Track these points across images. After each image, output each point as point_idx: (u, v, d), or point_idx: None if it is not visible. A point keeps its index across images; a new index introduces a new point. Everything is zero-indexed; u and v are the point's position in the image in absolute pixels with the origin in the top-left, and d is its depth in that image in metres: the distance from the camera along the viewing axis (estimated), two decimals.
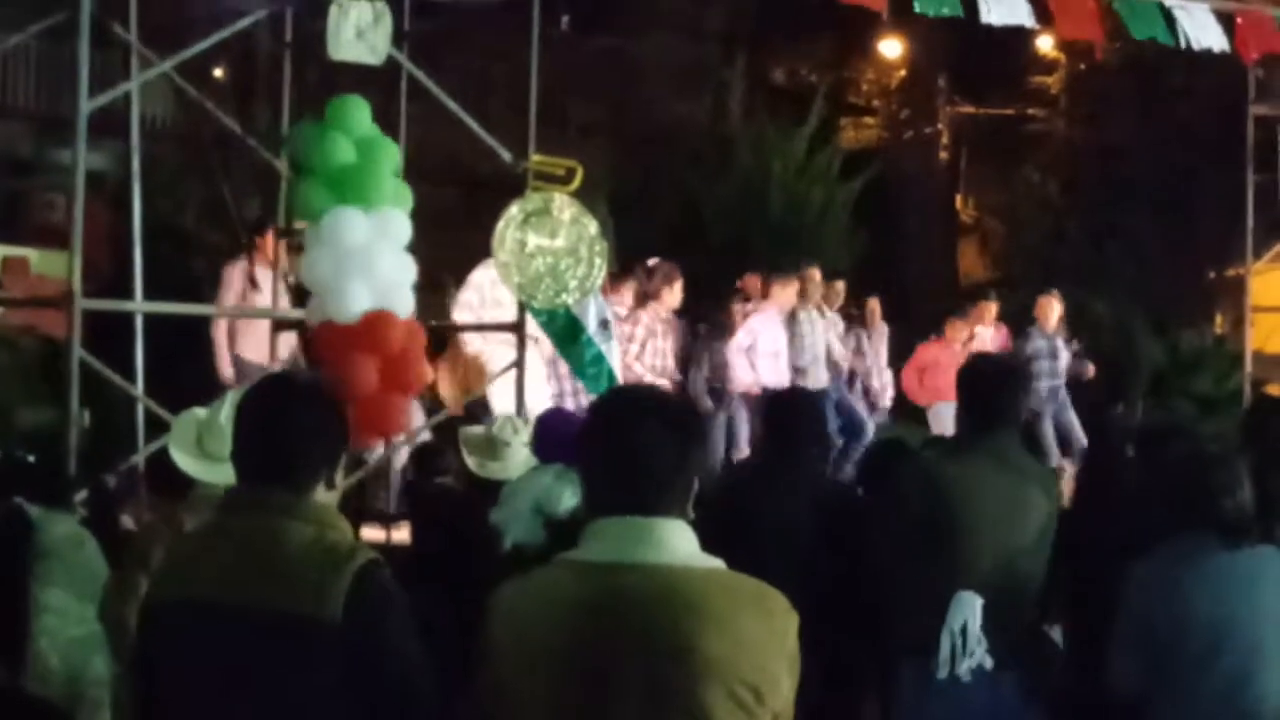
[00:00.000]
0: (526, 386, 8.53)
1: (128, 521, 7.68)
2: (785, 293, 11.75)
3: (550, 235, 8.09)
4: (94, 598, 5.17)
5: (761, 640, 2.88)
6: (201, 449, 4.87)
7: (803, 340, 11.87)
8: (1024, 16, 9.41)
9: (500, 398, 8.82)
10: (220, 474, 4.40)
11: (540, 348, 9.17)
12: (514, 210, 8.08)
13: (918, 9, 9.17)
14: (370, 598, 3.14)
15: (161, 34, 8.78)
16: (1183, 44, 9.93)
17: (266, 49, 14.14)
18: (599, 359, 8.94)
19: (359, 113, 7.35)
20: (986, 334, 13.90)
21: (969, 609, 4.78)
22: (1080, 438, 12.89)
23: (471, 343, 9.52)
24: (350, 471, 7.85)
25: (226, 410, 4.74)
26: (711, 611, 2.85)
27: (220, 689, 3.16)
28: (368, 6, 7.48)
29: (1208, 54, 10.21)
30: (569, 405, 9.83)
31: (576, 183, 8.30)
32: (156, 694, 3.26)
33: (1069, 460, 12.36)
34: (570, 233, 8.13)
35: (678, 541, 2.92)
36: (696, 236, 16.66)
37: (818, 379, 11.86)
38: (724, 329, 11.71)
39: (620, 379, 9.46)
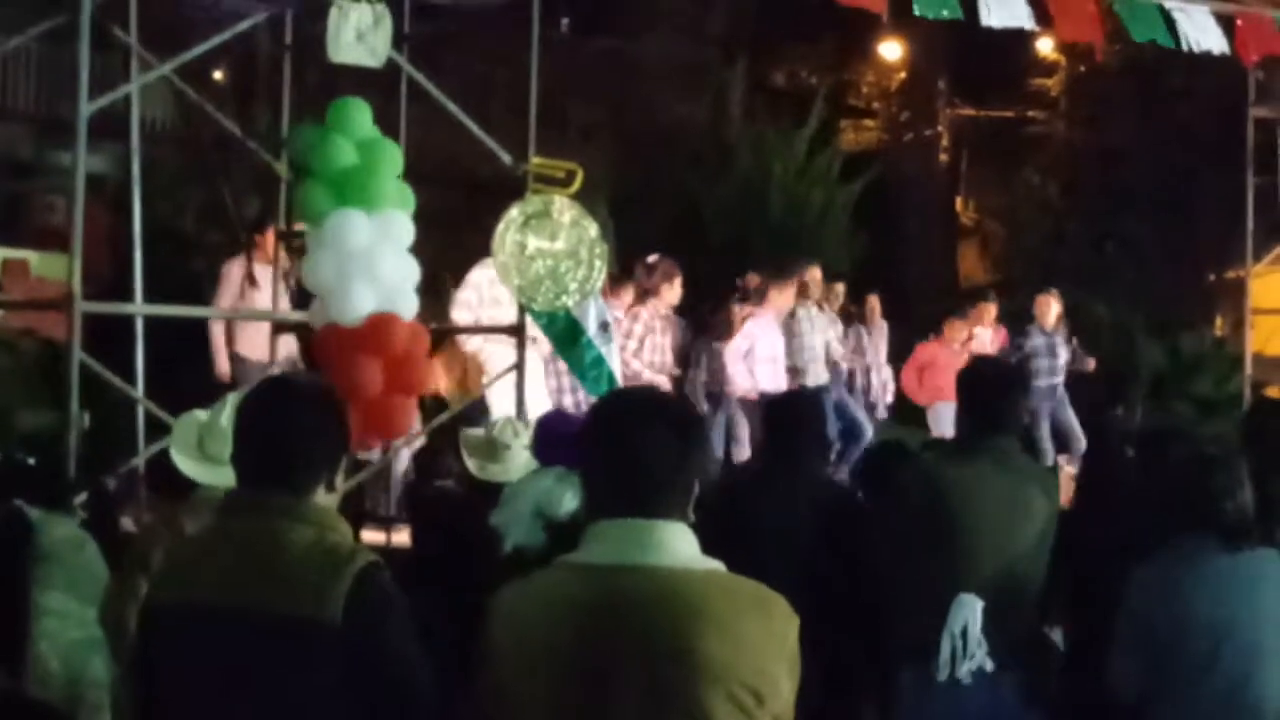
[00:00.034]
0: (526, 388, 8.53)
1: (128, 524, 7.68)
2: (783, 297, 11.75)
3: (550, 238, 8.09)
4: (94, 600, 5.17)
5: (762, 643, 2.88)
6: (202, 451, 4.87)
7: (802, 339, 11.87)
8: (1024, 19, 9.41)
9: (499, 399, 8.82)
10: (221, 476, 4.40)
11: (538, 346, 9.16)
12: (514, 213, 8.08)
13: (917, 11, 9.16)
14: (370, 600, 3.14)
15: (161, 36, 8.77)
16: (1183, 46, 9.93)
17: (266, 51, 14.15)
18: (599, 361, 8.94)
19: (360, 115, 7.35)
20: (986, 335, 13.90)
21: (969, 611, 4.78)
22: (1079, 436, 12.89)
23: (470, 341, 9.51)
24: (350, 474, 7.84)
25: (227, 413, 4.74)
26: (712, 614, 2.85)
27: (220, 691, 3.17)
28: (368, 9, 7.47)
29: (1208, 56, 10.21)
30: (566, 400, 9.84)
31: (577, 185, 8.30)
32: (156, 696, 3.26)
33: (1065, 458, 12.36)
34: (570, 235, 8.12)
35: (678, 544, 2.92)
36: (697, 238, 16.65)
37: (817, 377, 11.86)
38: (722, 329, 11.71)
39: (619, 375, 9.46)
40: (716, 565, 2.95)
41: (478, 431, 6.22)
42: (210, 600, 3.18)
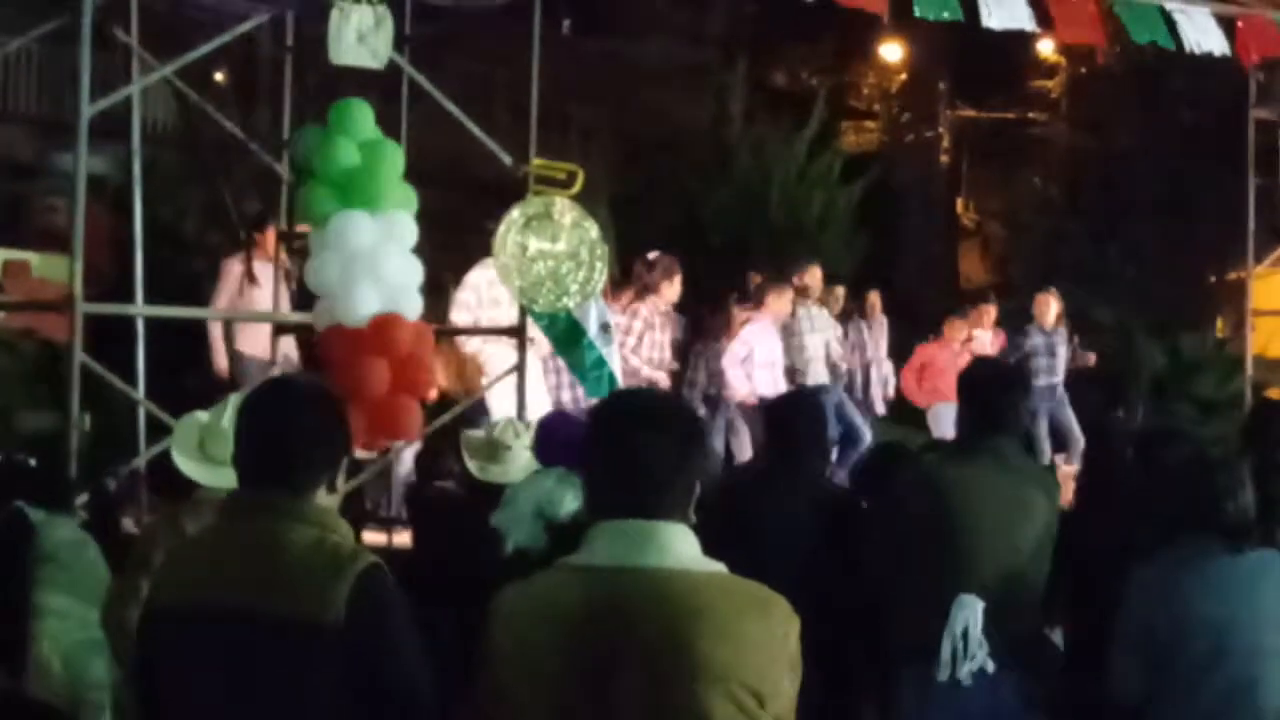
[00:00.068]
0: (526, 389, 8.53)
1: (129, 525, 7.69)
2: (780, 301, 11.74)
3: (551, 239, 8.09)
4: (95, 601, 5.17)
5: (763, 644, 2.88)
6: (203, 452, 4.87)
7: (801, 338, 11.86)
8: (1025, 20, 9.41)
9: (499, 400, 8.82)
10: (222, 477, 4.39)
11: (537, 346, 9.16)
12: (515, 214, 8.08)
13: (918, 13, 9.17)
14: (372, 601, 3.14)
15: (162, 38, 8.79)
16: (1184, 48, 9.93)
17: (268, 53, 14.15)
18: (600, 362, 8.94)
19: (362, 116, 7.36)
20: (985, 337, 13.89)
21: (970, 612, 4.78)
22: (1077, 436, 12.88)
23: (470, 342, 9.51)
24: (351, 475, 7.84)
25: (228, 414, 4.74)
26: (712, 615, 2.85)
27: (222, 692, 3.17)
28: (369, 10, 7.48)
29: (1208, 58, 10.21)
30: (564, 396, 9.84)
31: (577, 186, 8.30)
32: (158, 697, 3.26)
33: (1063, 458, 12.35)
34: (571, 236, 8.13)
35: (679, 545, 2.92)
36: (697, 240, 16.65)
37: (817, 377, 11.85)
38: (721, 328, 11.71)
39: (620, 375, 9.46)
40: (718, 567, 2.95)
41: (478, 433, 6.22)
42: (212, 601, 3.18)
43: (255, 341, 9.68)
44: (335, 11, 7.41)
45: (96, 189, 9.25)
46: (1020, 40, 15.04)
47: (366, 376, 7.03)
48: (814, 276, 12.33)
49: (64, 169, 10.14)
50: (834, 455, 10.99)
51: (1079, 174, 22.37)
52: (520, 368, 8.40)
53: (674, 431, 2.98)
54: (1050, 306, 13.36)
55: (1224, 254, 17.00)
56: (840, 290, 13.51)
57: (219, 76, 16.88)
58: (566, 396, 9.85)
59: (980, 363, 6.82)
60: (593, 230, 8.21)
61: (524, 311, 8.36)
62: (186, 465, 4.91)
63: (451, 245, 10.83)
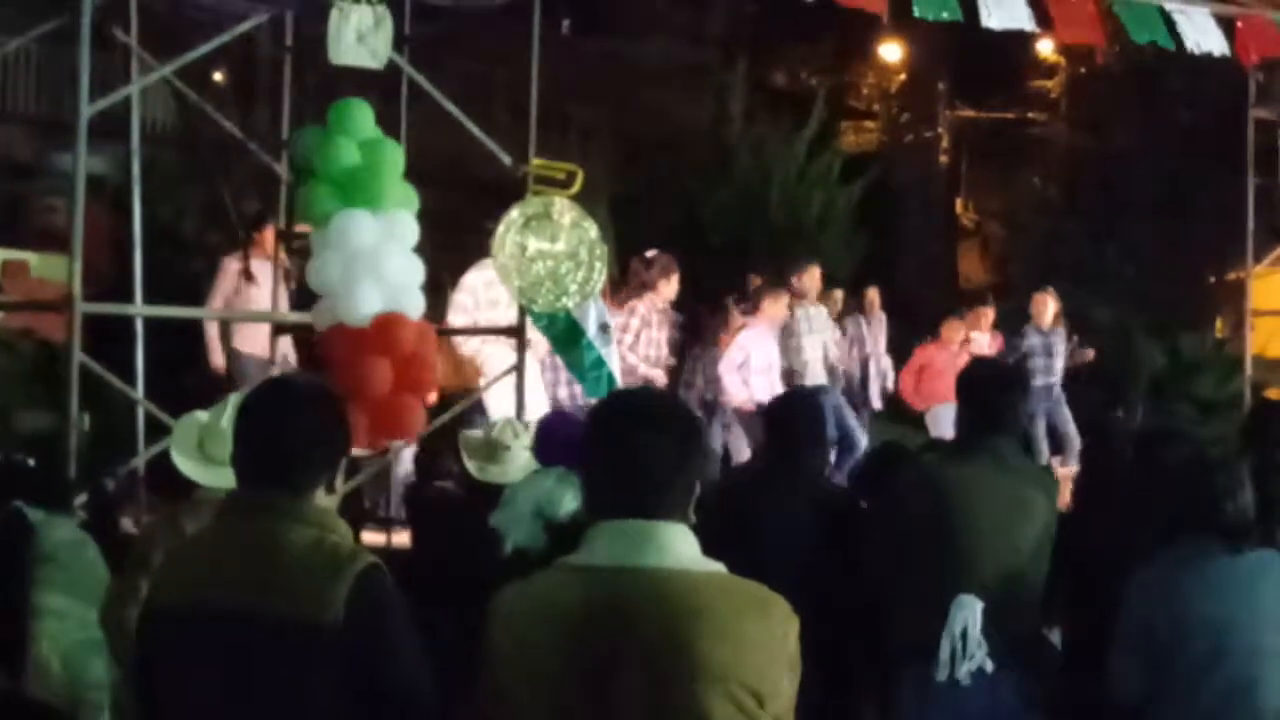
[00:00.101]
0: (524, 390, 8.52)
1: (128, 525, 7.68)
2: (776, 306, 11.74)
3: (551, 239, 8.09)
4: (95, 601, 5.17)
5: (762, 644, 2.88)
6: (203, 452, 4.87)
7: (799, 339, 11.86)
8: (1024, 20, 9.41)
9: (497, 401, 8.82)
10: (221, 478, 4.39)
11: (534, 348, 9.16)
12: (514, 214, 8.08)
13: (917, 13, 9.17)
14: (371, 601, 3.14)
15: (162, 38, 8.78)
16: (1183, 48, 9.93)
17: (267, 53, 14.15)
18: (599, 362, 8.94)
19: (362, 116, 7.36)
20: (983, 339, 13.88)
21: (969, 612, 4.79)
22: (1073, 438, 12.89)
23: (468, 343, 9.51)
24: (350, 475, 7.84)
25: (228, 414, 4.73)
26: (712, 615, 2.85)
27: (221, 692, 3.17)
28: (368, 10, 7.47)
29: (1208, 58, 10.21)
30: (562, 393, 9.84)
31: (577, 186, 8.30)
32: (157, 698, 3.26)
33: (1059, 460, 12.34)
34: (571, 236, 8.12)
35: (679, 545, 2.92)
36: (697, 240, 16.66)
37: (815, 379, 11.84)
38: (720, 326, 11.70)
39: (618, 375, 9.46)
40: (717, 567, 2.95)
41: (477, 433, 6.22)
42: (211, 601, 3.18)
43: (253, 340, 9.68)
44: (335, 11, 7.41)
45: (96, 189, 9.25)
46: (1020, 40, 15.04)
47: (369, 376, 7.04)
48: (812, 277, 12.33)
49: (63, 169, 10.13)
50: (832, 458, 11.01)
51: (1078, 174, 22.38)
52: (519, 368, 8.40)
53: (673, 431, 2.98)
54: (1048, 306, 13.36)
55: (1223, 254, 17.00)
56: (839, 294, 13.51)
57: (218, 76, 16.89)
58: (564, 393, 9.85)
59: (979, 363, 6.81)
60: (592, 230, 8.21)
61: (523, 312, 8.36)
62: (186, 465, 4.90)
63: (451, 245, 10.82)
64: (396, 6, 7.93)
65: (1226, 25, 10.11)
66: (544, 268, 8.07)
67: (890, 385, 13.92)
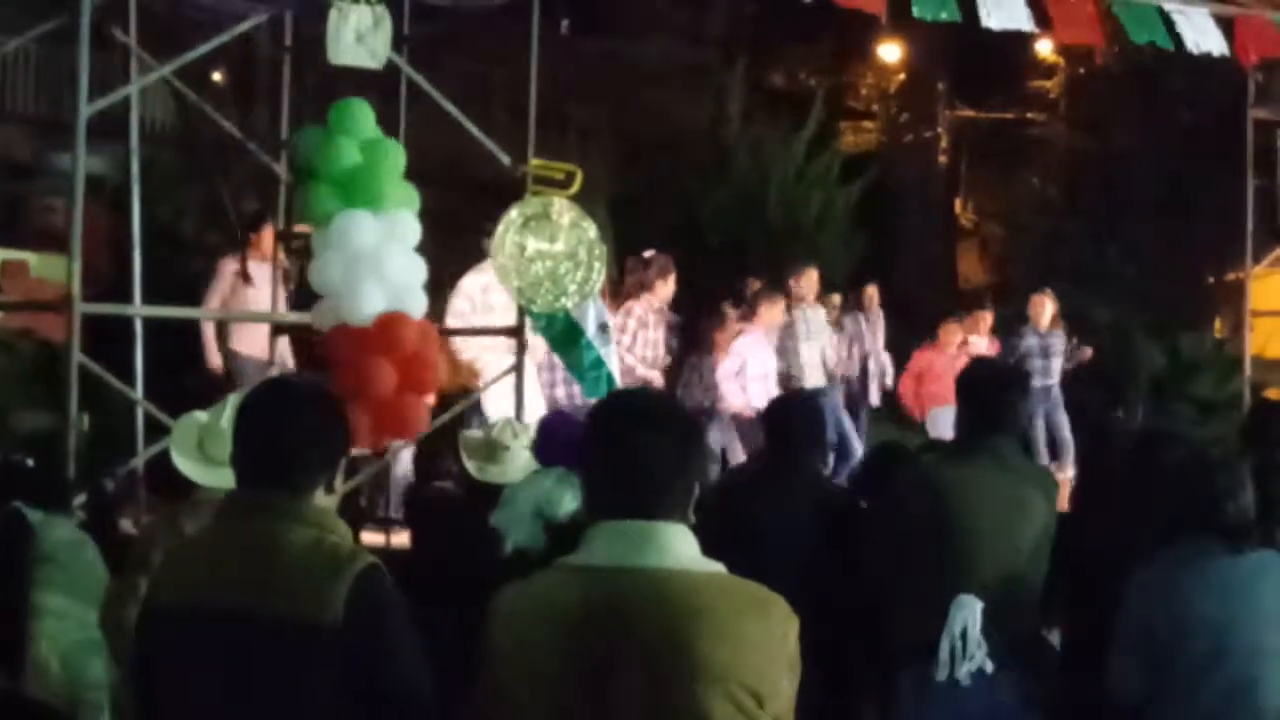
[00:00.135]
0: (523, 391, 8.52)
1: (127, 525, 7.68)
2: (772, 311, 11.74)
3: (550, 239, 8.09)
4: (94, 602, 5.17)
5: (762, 644, 2.88)
6: (202, 453, 4.87)
7: (796, 343, 11.85)
8: (1023, 21, 9.41)
9: (494, 402, 8.81)
10: (221, 478, 4.39)
11: (532, 351, 9.15)
12: (513, 214, 8.08)
13: (916, 13, 9.17)
14: (371, 602, 3.14)
15: (161, 38, 8.78)
16: (1183, 48, 9.93)
17: (266, 53, 14.16)
18: (598, 363, 8.94)
19: (362, 116, 7.36)
20: (981, 344, 13.85)
21: (969, 612, 4.79)
22: (1068, 443, 12.88)
23: (466, 350, 9.49)
24: (349, 476, 7.84)
25: (227, 414, 4.73)
26: (712, 616, 2.85)
27: (220, 693, 3.16)
28: (367, 10, 7.48)
29: (1207, 58, 10.21)
30: (559, 393, 9.83)
31: (576, 187, 8.29)
32: (156, 698, 3.26)
33: (1054, 466, 12.33)
34: (569, 237, 8.12)
35: (679, 545, 2.92)
36: (696, 240, 16.66)
37: (813, 382, 11.83)
38: (716, 330, 11.69)
39: (617, 375, 9.45)
40: (717, 567, 2.95)
41: (477, 433, 6.22)
42: (210, 601, 3.18)
43: (251, 342, 9.68)
44: (334, 11, 7.41)
45: (95, 189, 9.24)
46: (1019, 40, 15.03)
47: (372, 375, 7.05)
48: (810, 280, 12.33)
49: (62, 169, 10.14)
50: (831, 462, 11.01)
51: (1078, 174, 22.39)
52: (518, 369, 8.40)
53: (673, 431, 2.98)
54: (1045, 308, 13.34)
55: (1223, 254, 17.00)
56: (836, 298, 13.50)
57: (217, 76, 16.89)
58: (561, 393, 9.84)
59: (979, 363, 6.81)
60: (591, 230, 8.21)
61: (522, 312, 8.35)
62: (185, 465, 4.90)
63: (450, 245, 10.82)
64: (395, 6, 7.94)
65: (1226, 25, 10.12)
66: (543, 268, 8.07)
67: (889, 382, 13.92)
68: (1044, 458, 12.59)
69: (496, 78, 16.14)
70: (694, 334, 12.10)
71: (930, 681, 4.80)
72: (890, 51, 23.24)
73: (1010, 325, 14.14)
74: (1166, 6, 9.84)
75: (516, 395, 8.33)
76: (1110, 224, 20.28)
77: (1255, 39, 10.30)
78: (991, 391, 5.15)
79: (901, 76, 24.09)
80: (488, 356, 9.31)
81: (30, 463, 6.70)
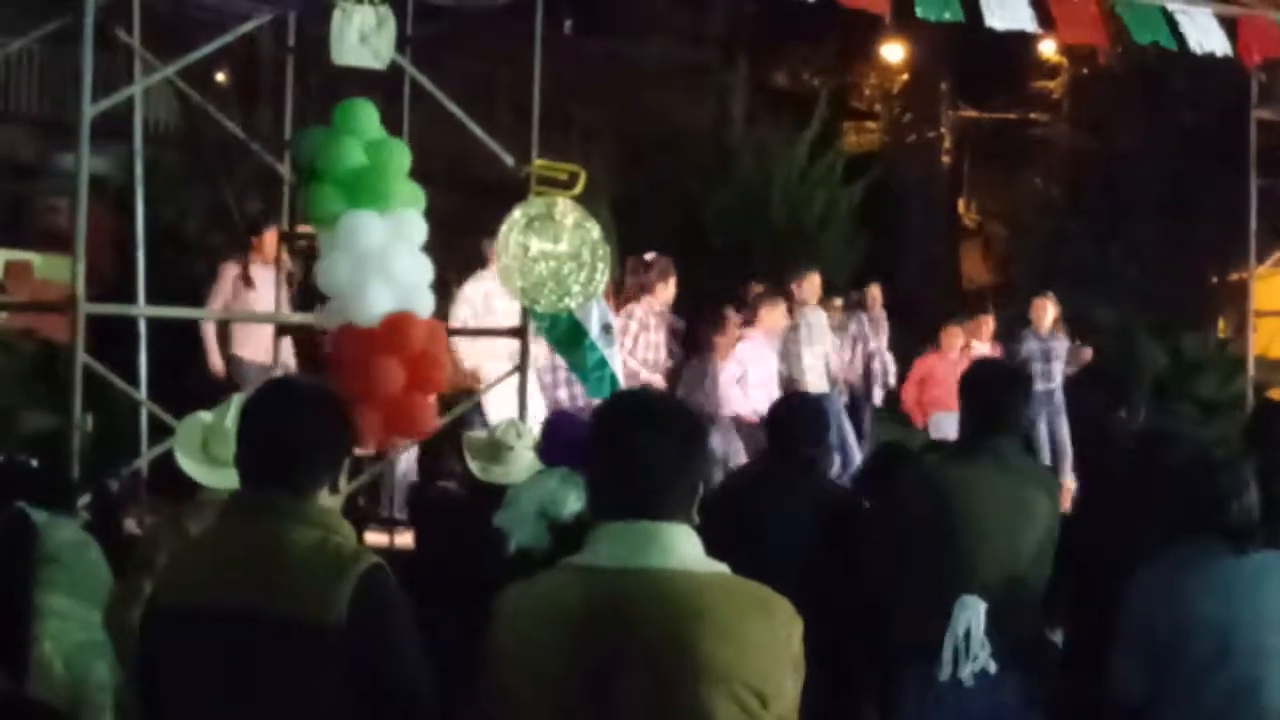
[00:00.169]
0: (526, 393, 8.52)
1: (131, 526, 7.69)
2: (773, 315, 11.73)
3: (553, 240, 8.09)
4: (98, 602, 5.17)
5: (765, 645, 2.88)
6: (206, 453, 4.87)
7: (799, 347, 11.84)
8: (1026, 21, 9.42)
9: (496, 404, 8.81)
10: (225, 478, 4.39)
11: (532, 359, 9.14)
12: (517, 215, 8.08)
13: (920, 13, 9.17)
14: (374, 602, 3.15)
15: (164, 38, 8.80)
16: (1186, 48, 9.93)
17: (269, 53, 14.15)
18: (602, 363, 8.93)
19: (367, 116, 7.37)
20: (983, 349, 13.82)
21: (972, 612, 4.79)
22: (1067, 451, 12.86)
23: (468, 359, 9.48)
24: (353, 476, 7.85)
25: (231, 414, 4.73)
26: (715, 616, 2.85)
27: (224, 693, 3.17)
28: (371, 11, 7.48)
29: (1210, 58, 10.21)
30: (561, 394, 9.82)
31: (579, 187, 8.30)
32: (160, 699, 3.27)
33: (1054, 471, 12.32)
34: (573, 237, 8.13)
35: (682, 546, 2.92)
36: (699, 241, 16.64)
37: (815, 387, 11.82)
38: (717, 333, 11.68)
39: (620, 376, 9.44)
40: (720, 568, 2.95)
41: (480, 433, 6.22)
42: (214, 602, 3.18)
43: (253, 345, 9.68)
44: (337, 12, 7.42)
45: (98, 189, 9.25)
46: (1022, 41, 15.03)
47: (381, 375, 7.06)
48: (812, 284, 12.31)
49: (66, 169, 10.15)
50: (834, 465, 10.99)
51: (1081, 174, 22.37)
52: (521, 369, 8.40)
53: (676, 432, 2.98)
54: (1047, 311, 13.31)
55: (1226, 255, 17.01)
56: (839, 301, 13.49)
57: (221, 77, 16.90)
58: (563, 394, 9.83)
59: (981, 363, 6.80)
60: (594, 231, 8.21)
61: (526, 313, 8.36)
62: (189, 466, 4.91)
63: (453, 245, 10.83)
64: (399, 7, 7.94)
65: (1229, 25, 10.12)
66: (546, 268, 8.08)
67: (892, 381, 13.90)
68: (1045, 461, 12.56)
69: (500, 78, 16.13)
70: (695, 342, 12.09)
71: (932, 682, 4.80)
72: (893, 52, 23.22)
73: (1012, 327, 14.12)
74: (1170, 7, 9.84)
75: (520, 396, 8.33)
76: (1113, 224, 20.27)
77: (1258, 39, 10.30)
78: (994, 392, 5.14)
79: (905, 77, 24.07)
80: (490, 365, 9.29)
81: (34, 463, 6.70)
